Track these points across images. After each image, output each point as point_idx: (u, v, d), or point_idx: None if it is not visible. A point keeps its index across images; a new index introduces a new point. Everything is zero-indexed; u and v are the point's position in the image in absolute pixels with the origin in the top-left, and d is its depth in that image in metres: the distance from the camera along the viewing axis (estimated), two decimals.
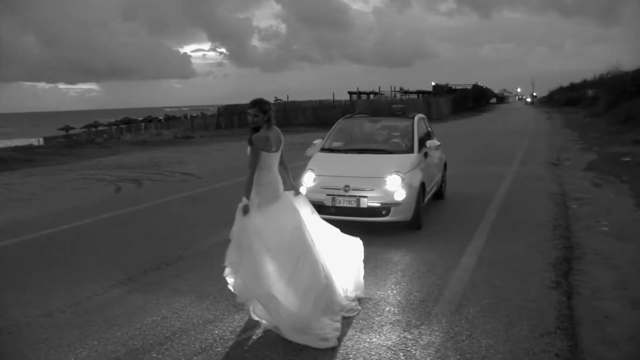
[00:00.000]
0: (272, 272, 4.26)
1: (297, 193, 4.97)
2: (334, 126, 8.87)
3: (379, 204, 7.03)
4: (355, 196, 7.04)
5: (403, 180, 7.08)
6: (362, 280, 5.00)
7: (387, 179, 7.08)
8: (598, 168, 13.21)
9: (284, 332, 4.17)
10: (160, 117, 41.43)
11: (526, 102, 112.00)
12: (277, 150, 4.79)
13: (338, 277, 4.68)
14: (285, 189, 4.86)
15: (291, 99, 43.88)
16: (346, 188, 7.06)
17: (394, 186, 7.03)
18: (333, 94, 43.01)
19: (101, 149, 22.42)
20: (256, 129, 4.69)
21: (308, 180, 7.40)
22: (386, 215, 7.03)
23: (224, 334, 4.32)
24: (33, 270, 6.05)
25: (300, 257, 4.35)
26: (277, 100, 45.00)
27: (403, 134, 8.33)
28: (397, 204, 7.02)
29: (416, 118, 8.58)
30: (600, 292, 5.18)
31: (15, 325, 4.55)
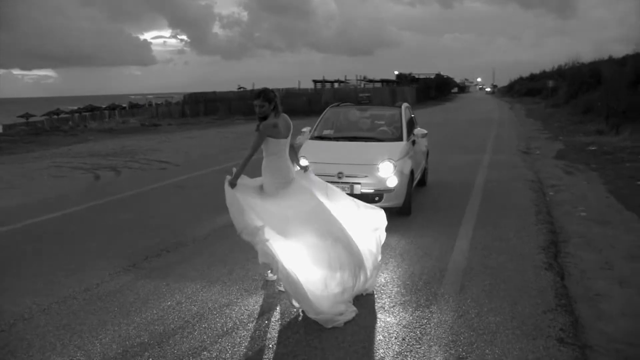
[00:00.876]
0: (289, 253, 4.38)
1: (306, 169, 5.11)
2: (322, 114, 9.01)
3: (372, 191, 7.22)
4: (349, 183, 7.21)
5: (395, 167, 7.29)
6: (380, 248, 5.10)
7: (379, 166, 7.27)
8: (567, 157, 13.74)
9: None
10: (124, 105, 40.72)
11: (487, 92, 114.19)
12: (286, 137, 4.92)
13: (363, 254, 4.77)
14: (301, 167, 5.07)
15: (255, 87, 43.56)
16: (340, 175, 7.22)
17: (387, 173, 7.23)
18: (299, 82, 43.08)
19: (68, 136, 21.95)
20: (264, 118, 4.81)
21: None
22: (379, 201, 7.21)
23: (242, 317, 4.43)
24: (33, 258, 6.01)
25: (323, 236, 4.48)
26: (240, 88, 44.75)
27: (392, 123, 8.54)
28: (389, 190, 7.22)
29: (403, 107, 8.80)
30: (588, 272, 5.49)
31: (29, 312, 4.56)
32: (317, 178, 5.14)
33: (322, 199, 4.86)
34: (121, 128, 25.94)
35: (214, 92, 39.64)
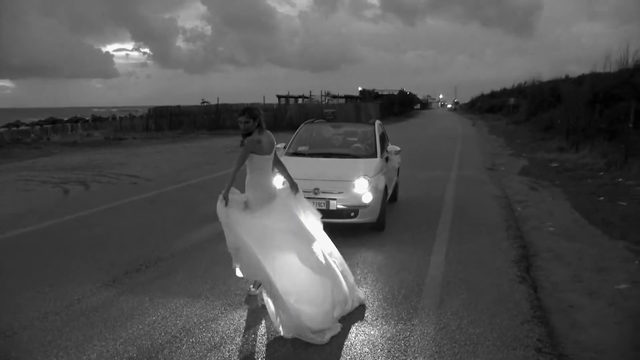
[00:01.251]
0: (271, 272, 4.45)
1: (297, 191, 5.18)
2: (297, 131, 9.14)
3: (347, 206, 7.35)
4: (325, 199, 7.32)
5: (370, 183, 7.44)
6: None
7: (355, 182, 7.41)
8: (531, 173, 14.18)
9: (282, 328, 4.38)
10: (87, 118, 39.99)
11: (449, 109, 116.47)
12: (269, 153, 5.03)
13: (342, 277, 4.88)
14: (291, 186, 5.13)
15: (216, 101, 43.00)
16: (316, 191, 7.33)
17: (362, 189, 7.37)
18: (264, 97, 43.09)
19: (31, 149, 21.48)
20: (248, 134, 4.91)
21: (277, 183, 7.59)
22: (354, 217, 7.36)
23: (228, 331, 4.48)
24: (10, 273, 5.92)
25: (301, 259, 4.57)
26: (204, 102, 44.47)
27: (366, 140, 8.72)
28: (364, 206, 7.37)
29: (376, 124, 9.00)
30: (559, 285, 5.73)
31: (11, 329, 4.50)
32: (304, 201, 5.22)
33: (304, 218, 4.95)
34: (85, 141, 25.50)
35: (179, 106, 39.31)
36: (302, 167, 7.96)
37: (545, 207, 9.70)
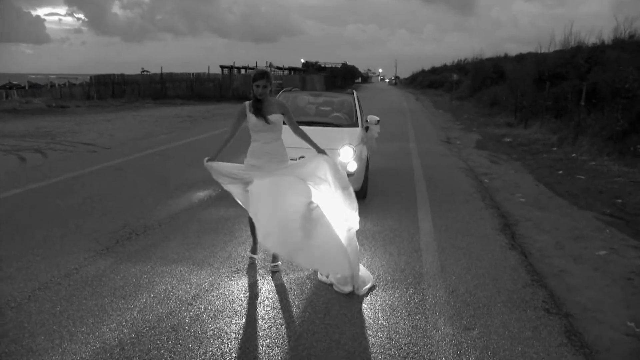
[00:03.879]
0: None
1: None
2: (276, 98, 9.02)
3: None
4: None
5: (354, 152, 7.48)
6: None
7: (340, 150, 7.43)
8: (487, 147, 14.63)
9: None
10: (22, 84, 37.98)
11: (388, 83, 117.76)
12: None
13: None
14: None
15: (155, 70, 41.79)
16: (302, 158, 7.29)
17: (347, 157, 7.41)
18: (208, 67, 42.14)
19: None
20: (259, 101, 4.82)
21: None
22: None
23: (245, 298, 4.45)
24: None
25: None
26: (144, 72, 43.20)
27: (345, 109, 8.74)
28: (350, 174, 7.40)
29: (355, 94, 9.02)
30: (545, 251, 6.00)
31: (14, 299, 4.29)
32: None
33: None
34: (25, 108, 24.21)
35: (122, 75, 38.04)
36: (286, 135, 7.88)
37: (510, 180, 10.06)
